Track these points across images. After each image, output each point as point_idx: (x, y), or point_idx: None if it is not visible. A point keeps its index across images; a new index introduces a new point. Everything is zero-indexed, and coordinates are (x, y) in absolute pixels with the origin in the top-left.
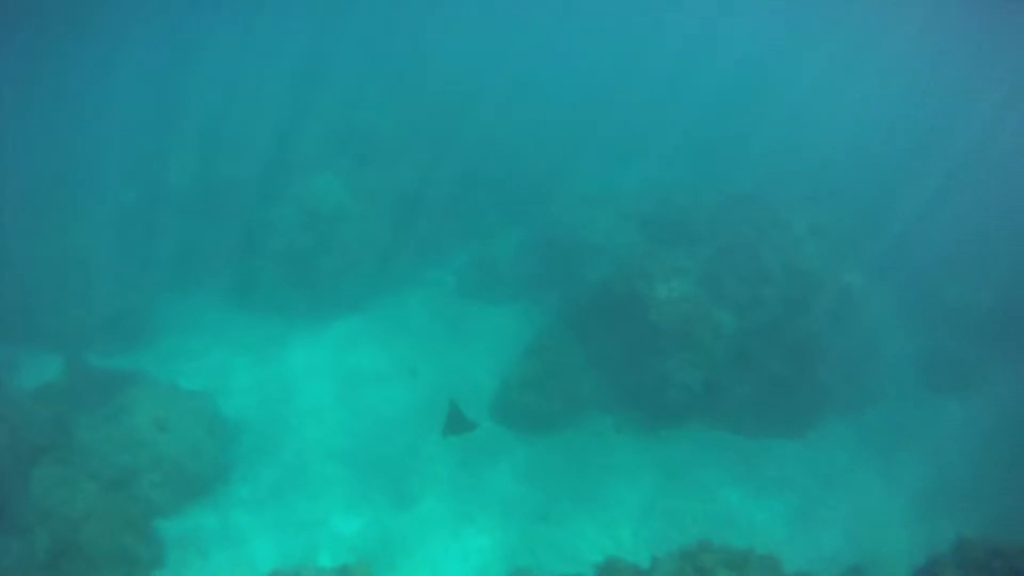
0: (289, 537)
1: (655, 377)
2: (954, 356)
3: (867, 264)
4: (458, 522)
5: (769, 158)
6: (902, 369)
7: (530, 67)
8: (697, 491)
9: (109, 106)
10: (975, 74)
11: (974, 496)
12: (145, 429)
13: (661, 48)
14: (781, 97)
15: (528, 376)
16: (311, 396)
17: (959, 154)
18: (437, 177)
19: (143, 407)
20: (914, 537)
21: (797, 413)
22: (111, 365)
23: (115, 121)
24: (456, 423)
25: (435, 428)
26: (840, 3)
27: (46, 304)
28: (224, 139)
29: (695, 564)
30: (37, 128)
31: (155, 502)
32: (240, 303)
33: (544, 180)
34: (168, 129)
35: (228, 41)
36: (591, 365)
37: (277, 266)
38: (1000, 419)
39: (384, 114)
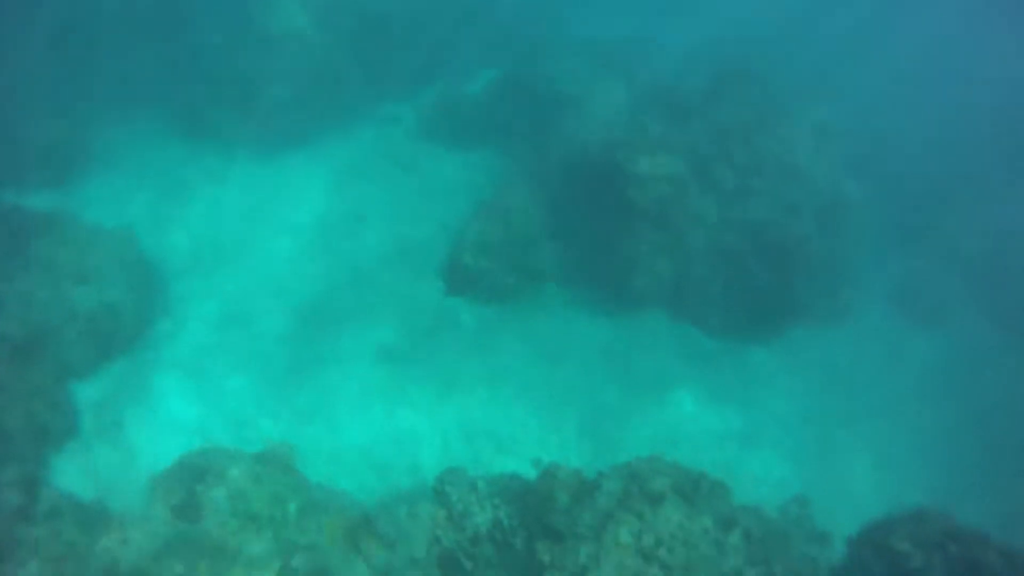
0: (211, 403)
1: (623, 259)
2: (933, 290)
3: (866, 176)
4: (391, 399)
5: (779, 34)
6: (878, 291)
7: None
8: (652, 388)
9: None
10: None
11: (928, 443)
12: (62, 281)
13: None
14: None
15: (484, 237)
16: (246, 241)
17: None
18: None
19: (61, 255)
20: (864, 476)
21: (766, 319)
22: (33, 205)
23: None
24: None
25: (378, 284)
26: None
27: None
28: None
29: (643, 488)
30: None
31: (70, 364)
32: (179, 134)
33: (528, 21)
34: None
35: None
36: (554, 234)
37: (221, 93)
38: (964, 367)
39: None
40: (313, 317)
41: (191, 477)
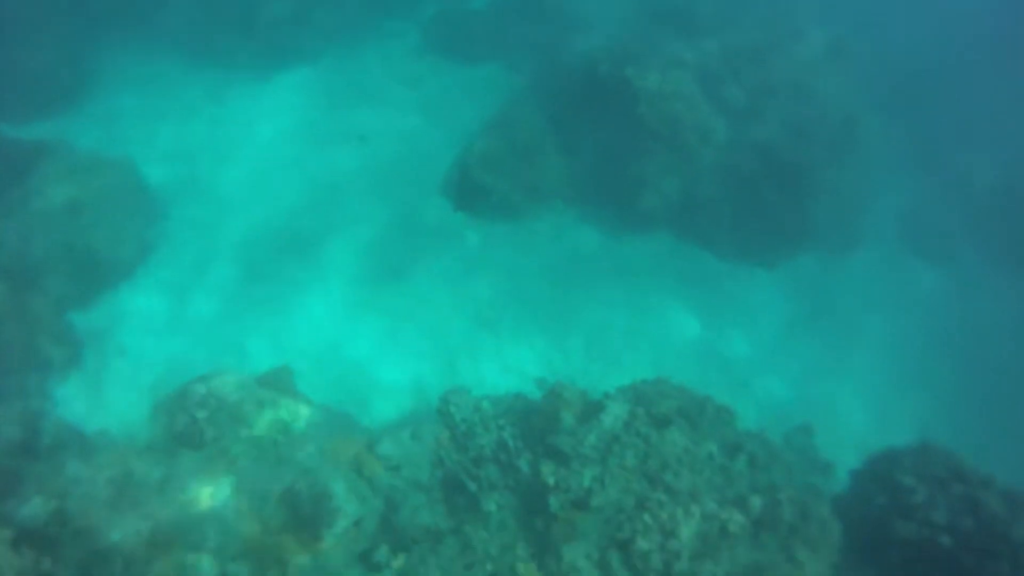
0: (212, 327)
1: (631, 177)
2: (941, 224)
3: (880, 102)
4: (393, 318)
5: None
6: (887, 223)
7: None
8: (659, 309)
9: None
10: None
11: (933, 378)
12: (58, 214)
13: None
14: None
15: (490, 153)
16: (247, 161)
17: None
18: None
19: (57, 186)
20: (867, 406)
21: (774, 243)
22: (30, 134)
23: None
24: None
25: (379, 201)
26: None
27: None
28: None
29: (649, 411)
30: None
31: (69, 296)
32: (178, 56)
33: None
34: None
35: None
36: (561, 151)
37: (220, 12)
38: (969, 304)
39: None
40: (314, 237)
41: (193, 403)
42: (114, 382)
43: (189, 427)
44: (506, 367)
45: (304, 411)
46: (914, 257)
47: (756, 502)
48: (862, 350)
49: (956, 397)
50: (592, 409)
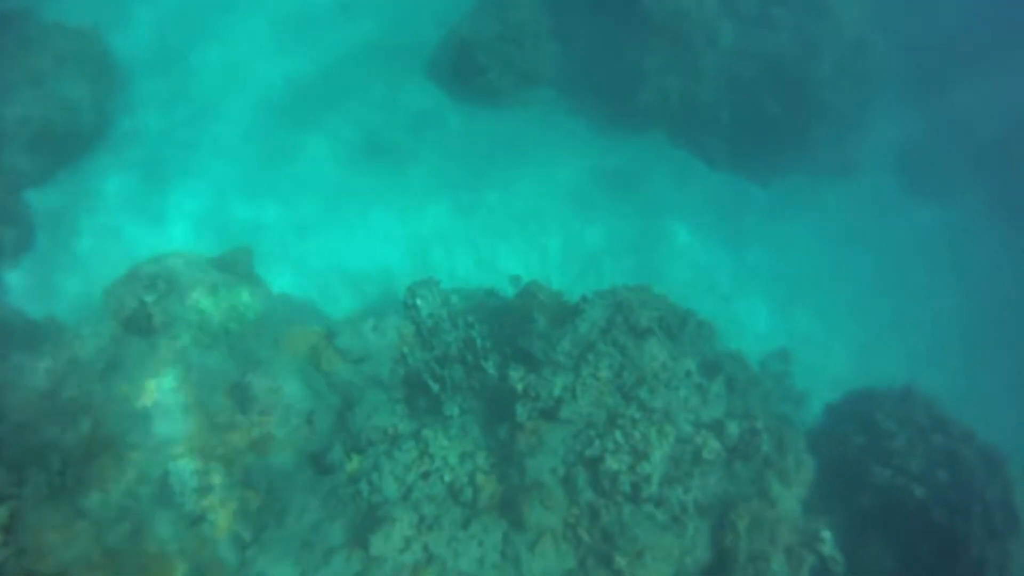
0: (172, 205)
1: (629, 71)
2: (939, 162)
3: (889, 26)
4: (366, 200)
5: None
6: (885, 152)
7: None
8: (646, 214)
9: None
10: None
11: (921, 319)
12: (16, 84)
13: None
14: None
15: (479, 34)
16: (217, 32)
17: None
18: None
19: (17, 56)
20: (847, 341)
21: (770, 158)
22: None
23: None
24: None
25: (359, 80)
26: None
27: None
28: None
29: (628, 320)
30: None
31: (22, 170)
32: None
33: None
34: None
35: None
36: (556, 36)
37: None
38: (960, 245)
39: None
40: (285, 114)
41: (142, 285)
42: (67, 265)
43: (137, 312)
44: (479, 260)
45: (261, 297)
46: (910, 192)
47: (733, 429)
48: (848, 283)
49: (944, 342)
50: (568, 313)
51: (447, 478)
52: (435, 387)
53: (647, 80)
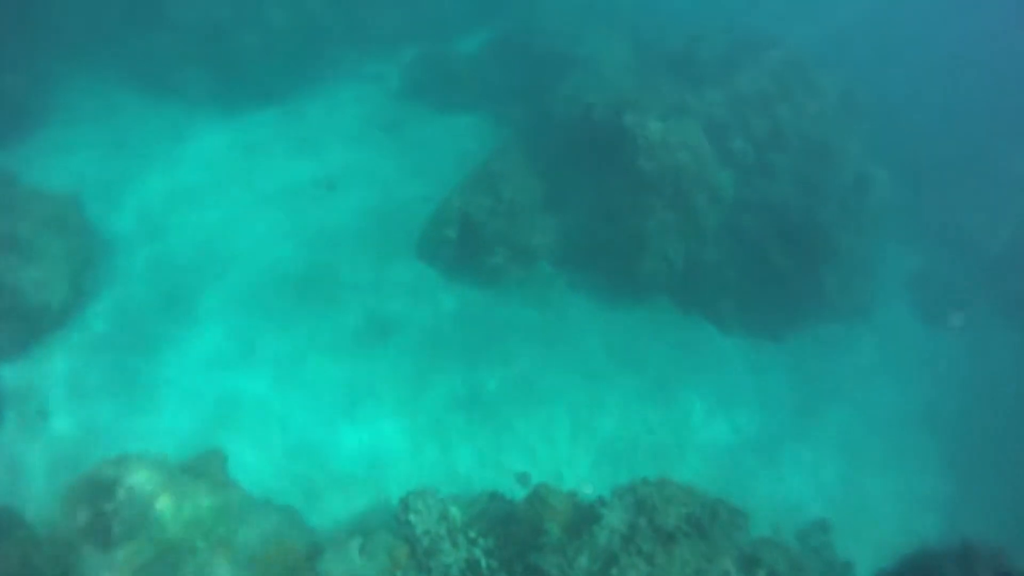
0: (143, 395)
1: (629, 238)
2: (952, 288)
3: (891, 159)
4: (354, 396)
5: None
6: (896, 285)
7: None
8: (659, 389)
9: None
10: None
11: (956, 455)
12: None
13: None
14: None
15: (471, 210)
16: (201, 208)
17: None
18: None
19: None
20: (889, 499)
21: (783, 313)
22: None
23: None
24: None
25: (347, 261)
26: None
27: None
28: None
29: (653, 522)
30: None
31: None
32: (138, 89)
33: None
34: None
35: None
36: (551, 208)
37: (185, 41)
38: (988, 375)
39: None
40: (270, 301)
41: (101, 491)
42: (31, 448)
43: (94, 521)
44: (481, 455)
45: (234, 506)
46: (927, 325)
47: None
48: (878, 430)
49: (981, 473)
50: (584, 517)
51: None
52: None
53: (648, 245)
